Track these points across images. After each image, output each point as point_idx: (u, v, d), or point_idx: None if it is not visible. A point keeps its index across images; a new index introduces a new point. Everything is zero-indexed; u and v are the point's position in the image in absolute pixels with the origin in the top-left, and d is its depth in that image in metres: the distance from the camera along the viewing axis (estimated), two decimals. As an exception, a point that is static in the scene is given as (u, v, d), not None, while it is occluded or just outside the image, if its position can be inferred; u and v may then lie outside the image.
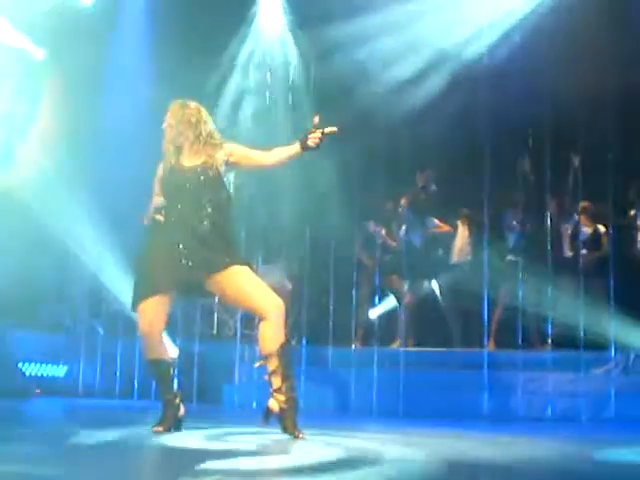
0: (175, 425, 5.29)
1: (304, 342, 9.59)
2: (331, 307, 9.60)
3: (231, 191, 5.52)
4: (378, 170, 10.20)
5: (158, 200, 5.40)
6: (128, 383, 9.67)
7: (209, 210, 5.29)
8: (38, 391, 8.84)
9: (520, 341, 8.93)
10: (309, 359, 9.26)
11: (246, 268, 5.31)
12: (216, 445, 4.69)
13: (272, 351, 5.21)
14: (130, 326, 9.61)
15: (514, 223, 9.90)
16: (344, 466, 3.94)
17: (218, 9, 10.09)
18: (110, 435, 5.07)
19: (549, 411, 8.27)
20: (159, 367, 5.32)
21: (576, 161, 9.89)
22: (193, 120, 5.50)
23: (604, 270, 8.90)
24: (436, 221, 10.30)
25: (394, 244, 10.34)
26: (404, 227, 10.30)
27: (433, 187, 10.67)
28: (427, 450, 4.79)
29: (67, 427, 5.72)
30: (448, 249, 10.36)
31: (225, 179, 5.46)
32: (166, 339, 5.50)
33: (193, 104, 5.57)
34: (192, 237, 5.25)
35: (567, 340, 8.96)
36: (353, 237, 10.31)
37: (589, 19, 9.37)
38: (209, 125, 5.54)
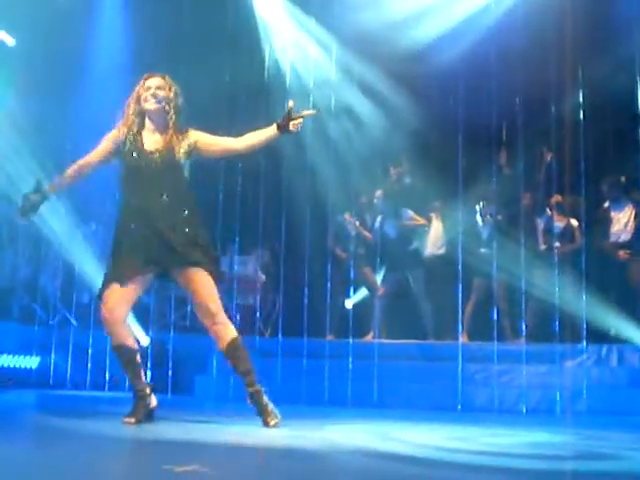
0: (146, 416, 5.25)
1: (279, 334, 9.57)
2: (305, 299, 9.58)
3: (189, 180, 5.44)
4: (352, 163, 10.22)
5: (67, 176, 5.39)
6: (99, 375, 9.61)
7: (166, 198, 5.26)
8: (10, 382, 8.77)
9: (494, 334, 8.96)
10: (284, 351, 9.25)
11: (199, 270, 5.26)
12: (191, 436, 4.67)
13: (226, 350, 5.37)
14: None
15: (488, 216, 9.92)
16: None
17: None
18: (81, 426, 5.04)
19: (523, 404, 8.29)
20: (122, 353, 5.26)
21: (548, 156, 9.96)
22: (179, 101, 5.46)
23: (577, 262, 8.94)
24: (410, 213, 10.31)
25: (369, 236, 10.34)
26: (379, 219, 10.31)
27: (407, 180, 10.69)
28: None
29: (40, 418, 5.67)
30: (422, 241, 10.38)
31: (187, 167, 5.41)
32: (131, 327, 5.45)
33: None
34: (151, 227, 5.22)
35: (541, 332, 9.01)
36: (327, 229, 10.31)
37: (562, 13, 9.43)
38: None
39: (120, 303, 5.21)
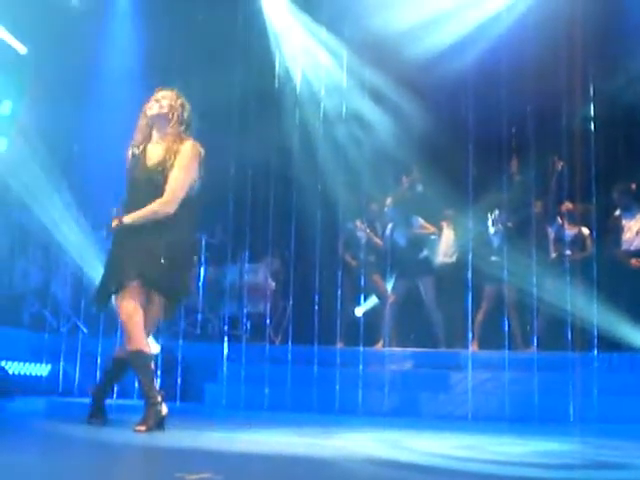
0: (157, 424, 5.25)
1: (289, 341, 9.57)
2: (315, 307, 9.57)
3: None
4: (362, 170, 10.22)
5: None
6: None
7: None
8: (21, 390, 8.77)
9: (505, 342, 8.93)
10: (294, 358, 9.25)
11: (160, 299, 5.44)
12: (202, 444, 4.67)
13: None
14: (111, 325, 9.61)
15: (499, 225, 9.90)
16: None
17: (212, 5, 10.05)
18: (92, 434, 5.04)
19: (533, 412, 8.25)
20: (138, 358, 5.29)
21: (559, 165, 9.93)
22: (184, 113, 5.52)
23: (588, 271, 8.91)
24: (421, 221, 10.29)
25: (380, 243, 10.33)
26: (389, 227, 10.30)
27: (419, 188, 10.68)
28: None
29: (50, 426, 5.68)
30: (432, 249, 10.36)
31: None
32: (146, 334, 5.47)
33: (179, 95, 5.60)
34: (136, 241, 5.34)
35: (552, 340, 8.98)
36: (337, 237, 10.31)
37: (573, 21, 9.42)
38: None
39: (137, 307, 5.29)
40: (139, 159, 5.48)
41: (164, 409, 5.32)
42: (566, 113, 9.39)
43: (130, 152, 5.58)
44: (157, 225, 5.36)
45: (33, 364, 9.44)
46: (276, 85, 10.68)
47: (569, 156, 9.57)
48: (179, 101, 5.55)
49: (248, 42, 10.39)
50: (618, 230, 9.52)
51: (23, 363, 9.28)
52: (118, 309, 5.34)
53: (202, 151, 5.53)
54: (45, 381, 9.54)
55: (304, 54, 10.99)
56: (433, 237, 10.38)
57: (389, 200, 10.41)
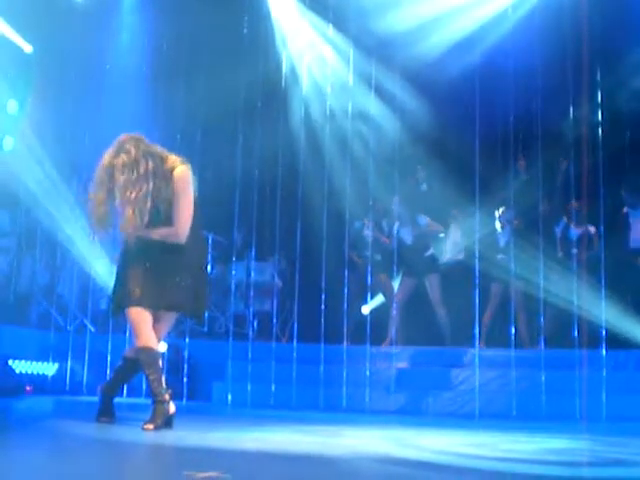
0: (165, 423, 5.25)
1: (295, 340, 9.58)
2: (322, 305, 9.57)
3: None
4: (369, 168, 10.21)
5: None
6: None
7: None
8: (29, 389, 8.78)
9: (512, 340, 8.93)
10: (300, 357, 9.25)
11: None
12: (210, 442, 4.67)
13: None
14: (120, 323, 9.61)
15: (506, 223, 9.89)
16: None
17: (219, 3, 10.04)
18: (100, 432, 5.05)
19: (541, 410, 8.25)
20: (147, 356, 5.29)
21: (564, 165, 9.92)
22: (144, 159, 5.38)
23: (595, 269, 8.90)
24: (428, 219, 10.29)
25: (387, 241, 10.32)
26: (396, 225, 10.29)
27: (424, 186, 10.68)
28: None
29: (59, 424, 5.69)
30: (439, 248, 10.36)
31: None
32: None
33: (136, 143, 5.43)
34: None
35: (559, 339, 8.98)
36: (343, 235, 10.30)
37: (580, 19, 9.40)
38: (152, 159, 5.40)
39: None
40: None
41: (172, 407, 5.32)
42: (573, 110, 9.38)
43: None
44: (173, 247, 5.36)
45: (40, 363, 9.45)
46: (283, 84, 10.68)
47: (576, 154, 9.55)
48: (132, 162, 5.35)
49: (255, 40, 10.39)
50: (625, 228, 9.51)
51: (31, 362, 9.29)
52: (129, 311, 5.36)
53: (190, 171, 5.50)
54: (52, 380, 9.55)
55: (311, 52, 10.99)
56: (440, 235, 10.38)
57: (396, 198, 10.40)
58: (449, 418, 7.79)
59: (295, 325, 9.81)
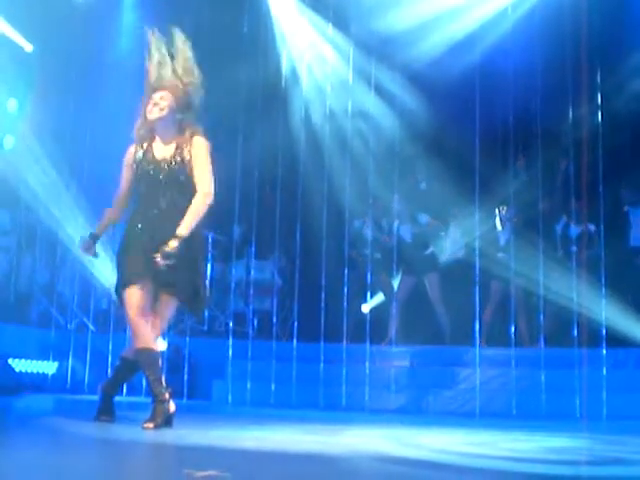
0: (165, 421, 5.24)
1: (295, 338, 9.58)
2: (322, 304, 9.57)
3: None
4: (369, 167, 10.21)
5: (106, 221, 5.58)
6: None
7: (165, 208, 5.33)
8: (29, 387, 8.79)
9: (512, 338, 8.93)
10: (300, 355, 9.26)
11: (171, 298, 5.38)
12: (210, 441, 4.67)
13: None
14: (120, 322, 9.60)
15: (506, 222, 9.89)
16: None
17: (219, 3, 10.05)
18: (100, 431, 5.05)
19: (541, 408, 8.24)
20: (145, 356, 5.27)
21: (564, 164, 9.92)
22: (186, 109, 5.48)
23: (595, 267, 8.90)
24: (428, 218, 10.29)
25: (387, 240, 10.31)
26: (395, 224, 10.28)
27: (423, 185, 10.68)
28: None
29: (58, 423, 5.68)
30: (439, 246, 10.35)
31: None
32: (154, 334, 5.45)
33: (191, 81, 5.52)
34: (149, 237, 5.29)
35: (559, 337, 8.98)
36: (343, 234, 10.30)
37: (580, 18, 9.40)
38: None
39: (144, 304, 5.28)
40: (145, 155, 5.44)
41: (172, 406, 5.32)
42: (573, 109, 9.38)
43: (133, 149, 5.53)
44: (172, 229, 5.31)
45: (40, 361, 9.45)
46: (283, 83, 10.68)
47: (576, 152, 9.54)
48: (179, 96, 5.48)
49: (255, 39, 10.39)
50: (626, 226, 9.51)
51: (30, 360, 9.29)
52: (125, 306, 5.33)
53: (209, 145, 5.52)
54: (53, 379, 9.55)
55: (311, 51, 10.98)
56: (441, 234, 10.38)
57: (395, 197, 10.40)
58: (449, 417, 7.79)
59: (295, 323, 9.81)
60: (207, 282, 5.66)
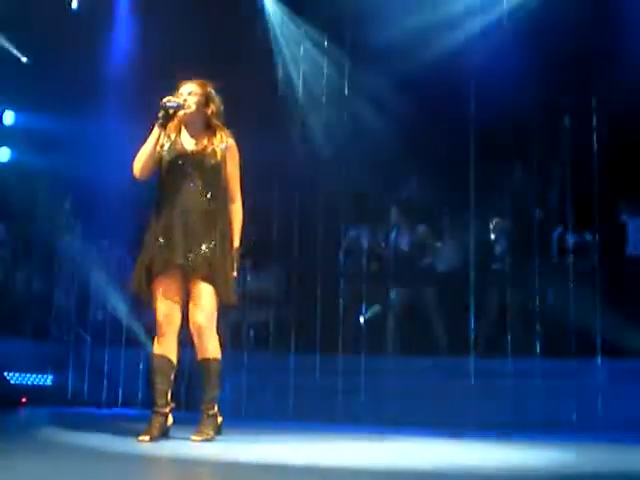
0: (162, 434, 5.20)
1: (292, 349, 9.55)
2: (318, 315, 9.56)
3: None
4: (365, 177, 10.21)
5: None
6: (111, 391, 9.57)
7: (204, 204, 5.30)
8: (24, 400, 8.77)
9: (509, 349, 8.92)
10: (296, 367, 9.23)
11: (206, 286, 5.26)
12: (206, 453, 4.66)
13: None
14: (116, 335, 9.59)
15: (501, 232, 9.88)
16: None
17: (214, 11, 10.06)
18: (96, 444, 5.03)
19: (538, 419, 8.21)
20: (162, 365, 5.24)
21: (560, 172, 9.93)
22: (215, 101, 5.52)
23: (592, 277, 8.90)
24: (424, 228, 10.27)
25: (383, 250, 10.30)
26: (393, 233, 10.27)
27: (419, 195, 10.70)
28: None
29: (53, 436, 5.66)
30: (435, 257, 10.34)
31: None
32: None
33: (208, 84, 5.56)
34: (184, 232, 5.23)
35: (556, 347, 8.97)
36: (339, 245, 10.30)
37: (575, 23, 9.43)
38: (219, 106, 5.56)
39: (176, 308, 5.25)
40: (173, 145, 5.39)
41: (169, 420, 5.29)
42: (568, 118, 9.39)
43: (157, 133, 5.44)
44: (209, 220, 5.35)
45: (36, 374, 9.43)
46: (278, 92, 10.69)
47: (573, 161, 9.55)
48: (205, 93, 5.50)
49: (250, 48, 10.40)
50: (623, 235, 9.51)
51: (25, 373, 9.27)
52: (153, 305, 5.27)
53: None
54: (48, 391, 9.53)
55: (304, 59, 10.99)
56: (438, 244, 10.36)
57: (393, 207, 10.40)
58: (445, 427, 7.76)
59: (292, 335, 9.78)
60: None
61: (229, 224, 5.45)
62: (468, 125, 9.59)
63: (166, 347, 5.25)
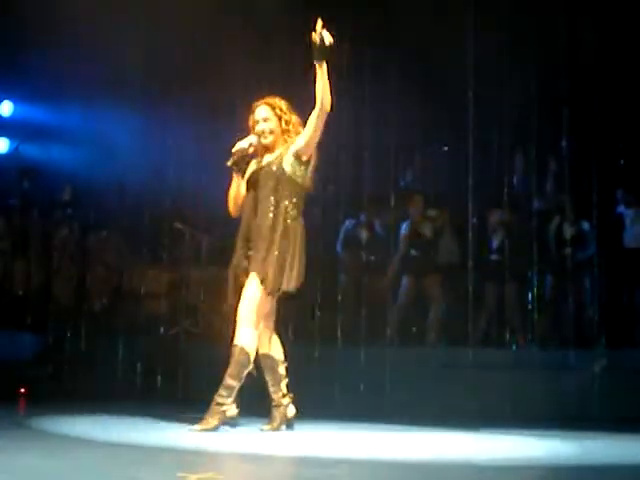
0: (286, 425, 5.53)
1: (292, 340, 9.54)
2: (317, 306, 9.55)
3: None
4: (363, 168, 10.20)
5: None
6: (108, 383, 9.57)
7: (262, 210, 5.48)
8: (24, 391, 8.79)
9: (507, 340, 8.93)
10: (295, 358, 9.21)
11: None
12: (205, 444, 4.67)
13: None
14: (116, 326, 9.59)
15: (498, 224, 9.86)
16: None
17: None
18: (94, 434, 5.03)
19: (538, 411, 8.20)
20: (267, 361, 5.64)
21: (553, 164, 9.93)
22: (284, 123, 5.59)
23: (590, 268, 8.91)
24: (422, 220, 10.24)
25: (379, 240, 10.27)
26: (391, 226, 10.25)
27: (418, 185, 10.70)
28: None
29: (52, 427, 5.67)
30: (435, 248, 10.30)
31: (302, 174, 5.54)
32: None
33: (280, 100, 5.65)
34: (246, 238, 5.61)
35: (555, 338, 8.98)
36: (337, 235, 10.29)
37: (574, 17, 9.43)
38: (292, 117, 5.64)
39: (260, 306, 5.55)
40: (257, 165, 5.61)
41: (291, 410, 5.63)
42: (568, 107, 9.40)
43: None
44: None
45: (35, 365, 9.44)
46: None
47: (570, 152, 9.55)
48: (278, 115, 5.58)
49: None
50: (620, 227, 9.52)
51: (25, 365, 9.28)
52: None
53: None
54: (48, 381, 9.53)
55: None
56: (435, 236, 10.33)
57: (392, 199, 10.37)
58: (444, 420, 7.76)
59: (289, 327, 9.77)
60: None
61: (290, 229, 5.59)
62: (466, 115, 9.58)
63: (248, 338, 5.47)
